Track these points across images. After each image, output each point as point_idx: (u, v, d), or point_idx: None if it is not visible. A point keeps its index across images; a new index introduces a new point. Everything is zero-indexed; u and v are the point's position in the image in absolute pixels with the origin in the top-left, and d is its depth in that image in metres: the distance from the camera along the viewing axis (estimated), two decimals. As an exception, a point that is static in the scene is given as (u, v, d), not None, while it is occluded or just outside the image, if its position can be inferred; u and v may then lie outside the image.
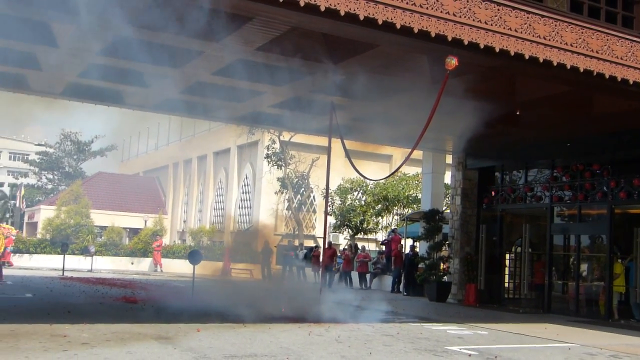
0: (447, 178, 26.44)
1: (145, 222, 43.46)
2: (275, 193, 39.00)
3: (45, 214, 42.59)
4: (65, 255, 30.56)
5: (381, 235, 36.57)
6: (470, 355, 10.73)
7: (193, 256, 19.45)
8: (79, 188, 42.30)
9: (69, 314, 13.64)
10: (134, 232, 44.05)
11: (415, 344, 11.78)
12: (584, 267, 20.35)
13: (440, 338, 12.79)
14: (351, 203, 36.66)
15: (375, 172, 28.80)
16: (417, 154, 28.22)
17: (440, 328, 14.57)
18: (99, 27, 12.84)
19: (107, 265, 35.88)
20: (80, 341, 10.19)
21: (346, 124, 19.62)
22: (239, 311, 14.83)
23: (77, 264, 34.47)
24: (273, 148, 37.21)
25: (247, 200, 43.00)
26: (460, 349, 11.33)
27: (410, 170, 37.52)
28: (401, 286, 25.94)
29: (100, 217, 42.43)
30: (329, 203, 36.57)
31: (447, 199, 28.77)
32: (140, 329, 11.94)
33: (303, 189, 39.58)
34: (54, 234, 37.60)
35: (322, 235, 37.13)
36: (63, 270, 28.55)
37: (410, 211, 32.53)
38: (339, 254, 31.04)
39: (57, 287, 20.92)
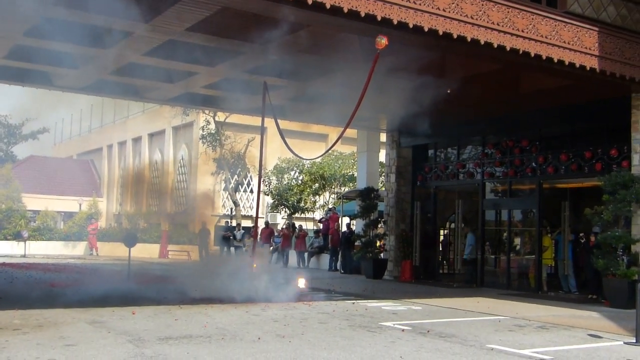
0: (382, 156, 26.72)
1: (80, 205, 42.71)
2: (212, 174, 38.77)
3: (-26, 199, 41.42)
4: (-3, 241, 29.88)
5: (318, 214, 36.82)
6: (403, 330, 10.97)
7: (128, 239, 19.34)
8: (9, 172, 41.21)
9: (0, 300, 13.39)
10: (68, 216, 43.23)
11: (350, 320, 11.97)
12: (515, 241, 20.93)
13: (375, 314, 13.02)
14: (288, 182, 36.74)
15: (311, 151, 28.88)
16: (353, 132, 28.49)
17: (375, 305, 14.81)
18: (24, 8, 12.54)
19: (41, 250, 35.21)
20: (11, 327, 10.06)
21: (280, 104, 19.70)
22: (175, 294, 14.80)
23: (9, 250, 33.77)
24: (208, 129, 36.94)
25: (183, 182, 42.64)
26: (394, 325, 11.56)
27: (346, 149, 37.79)
28: (338, 264, 26.20)
29: (33, 202, 41.44)
30: (266, 183, 36.64)
31: (382, 177, 29.10)
32: (74, 313, 11.82)
33: (240, 169, 39.43)
34: (-15, 219, 36.66)
35: (260, 216, 37.17)
36: (-5, 256, 27.93)
37: (346, 189, 32.80)
38: (276, 233, 31.13)
39: (-12, 274, 20.48)
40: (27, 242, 34.57)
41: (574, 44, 14.05)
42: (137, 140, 47.87)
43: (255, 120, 28.45)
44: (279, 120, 17.18)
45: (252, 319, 11.81)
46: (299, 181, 37.16)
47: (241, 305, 13.78)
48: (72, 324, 10.54)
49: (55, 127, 61.44)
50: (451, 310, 14.09)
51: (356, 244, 24.62)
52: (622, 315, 13.57)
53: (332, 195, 36.68)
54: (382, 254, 23.75)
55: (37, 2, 12.04)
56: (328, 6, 11.12)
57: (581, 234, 18.67)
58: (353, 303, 14.95)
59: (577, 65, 14.13)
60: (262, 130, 17.22)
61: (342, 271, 25.42)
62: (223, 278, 17.49)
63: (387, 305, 14.83)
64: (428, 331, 10.86)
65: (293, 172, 37.70)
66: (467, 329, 11.29)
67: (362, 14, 11.49)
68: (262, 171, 36.25)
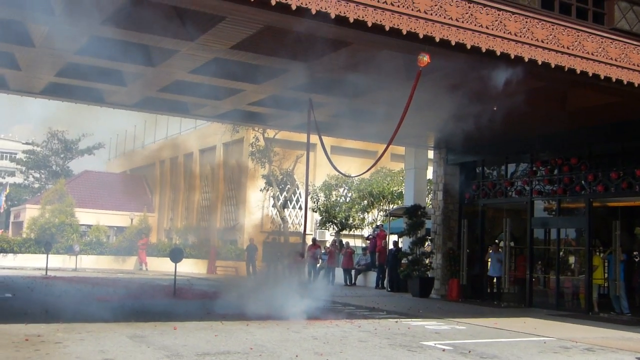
0: (430, 174, 26.54)
1: (132, 220, 43.40)
2: (261, 190, 39.04)
3: (30, 213, 42.46)
4: (49, 255, 30.50)
5: (367, 232, 36.69)
6: (444, 350, 10.84)
7: (174, 254, 19.51)
8: (63, 187, 42.13)
9: (46, 313, 13.66)
10: (120, 230, 43.96)
11: (391, 339, 11.87)
12: (564, 260, 20.51)
13: (417, 333, 12.90)
14: (336, 199, 36.75)
15: (360, 168, 28.78)
16: (401, 149, 28.42)
17: (419, 323, 14.68)
18: (74, 28, 12.88)
19: (92, 264, 35.88)
20: (54, 340, 10.24)
21: (326, 121, 19.74)
22: (219, 309, 14.90)
23: (61, 263, 34.52)
24: (257, 145, 37.23)
25: (232, 198, 43.00)
26: (435, 344, 11.43)
27: (395, 166, 37.68)
28: (385, 282, 26.04)
29: (85, 216, 42.30)
30: (314, 200, 36.70)
31: (430, 195, 28.88)
32: (116, 327, 11.98)
33: (288, 185, 39.64)
34: (39, 233, 37.49)
35: (307, 232, 37.24)
36: (46, 269, 28.49)
37: (394, 207, 32.65)
38: (323, 250, 31.12)
39: (38, 287, 20.92)
40: (79, 256, 35.27)
41: (621, 61, 13.77)
42: (188, 156, 48.51)
43: (303, 137, 28.68)
44: (324, 137, 17.28)
45: (292, 336, 11.81)
46: (348, 198, 37.14)
47: (283, 322, 13.79)
48: (113, 338, 10.68)
49: (110, 143, 62.78)
50: (495, 331, 13.87)
51: (403, 261, 24.44)
52: (673, 339, 13.18)
53: (381, 213, 36.51)
54: (429, 272, 23.53)
55: (87, 22, 12.35)
56: (370, 24, 11.14)
57: (635, 253, 18.21)
58: (396, 322, 14.83)
59: (625, 82, 13.83)
60: (307, 146, 17.32)
61: (389, 289, 25.25)
62: (268, 294, 17.57)
63: (430, 324, 14.67)
64: (469, 351, 10.71)
65: (342, 189, 37.70)
66: (510, 350, 11.10)
67: (404, 32, 11.47)
68: (310, 187, 36.59)
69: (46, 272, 27.95)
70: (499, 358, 10.23)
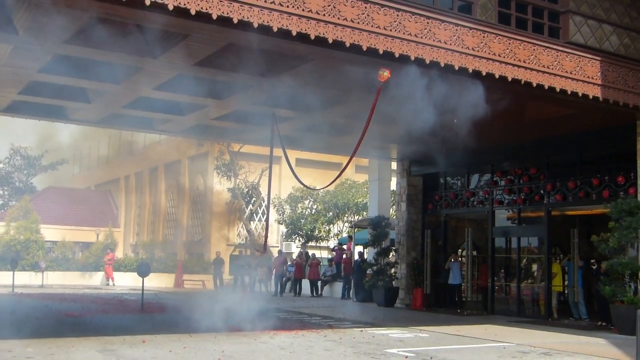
0: (394, 185, 26.91)
1: (97, 236, 43.15)
2: (226, 204, 39.15)
3: (-6, 230, 41.96)
4: (15, 272, 30.25)
5: (332, 243, 36.96)
6: (407, 357, 11.12)
7: (141, 269, 19.61)
8: (28, 203, 41.76)
9: (16, 329, 13.64)
10: (86, 246, 43.63)
11: (356, 348, 12.13)
12: (525, 268, 20.98)
13: (382, 342, 13.17)
14: (302, 211, 36.99)
15: (325, 180, 28.90)
16: (365, 161, 28.79)
17: (383, 332, 14.96)
18: (38, 47, 13.01)
19: (58, 281, 35.63)
20: (24, 355, 10.33)
21: (290, 135, 20.02)
22: (187, 322, 15.03)
23: (27, 280, 34.19)
24: (222, 159, 37.36)
25: (198, 211, 42.99)
26: (398, 352, 11.72)
27: (360, 177, 38.07)
28: (351, 292, 26.32)
29: (51, 232, 41.90)
30: (280, 212, 36.92)
31: (394, 206, 29.24)
32: (85, 342, 12.07)
33: (254, 198, 39.81)
34: (4, 250, 37.06)
35: (275, 245, 37.42)
36: (13, 286, 28.25)
37: (359, 218, 32.98)
38: (289, 262, 31.32)
39: (6, 304, 20.80)
40: (45, 272, 35.00)
41: (576, 74, 14.30)
42: (153, 170, 48.37)
43: (269, 150, 28.94)
44: (289, 150, 17.55)
45: (260, 347, 12.01)
46: (313, 210, 37.39)
47: (250, 333, 13.98)
48: (83, 352, 10.80)
49: (73, 159, 62.27)
50: (458, 338, 14.20)
51: (368, 272, 24.74)
52: (629, 342, 13.55)
53: (346, 224, 36.82)
54: (393, 282, 23.86)
55: (50, 41, 12.50)
56: (330, 41, 11.48)
57: (592, 261, 18.73)
58: (361, 331, 15.10)
59: (580, 94, 14.37)
60: (270, 160, 17.58)
61: (355, 299, 25.52)
62: (234, 307, 17.74)
63: (394, 332, 14.96)
64: (431, 358, 11.01)
65: (307, 201, 37.95)
66: (470, 356, 11.43)
67: (364, 48, 11.84)
68: (275, 199, 36.79)
69: (13, 289, 27.72)
70: (460, 363, 10.55)
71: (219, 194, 39.49)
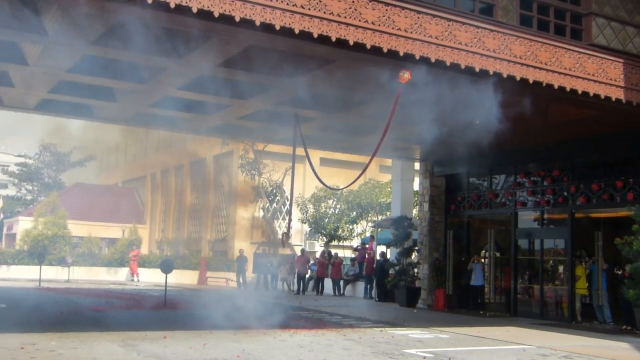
0: (417, 185, 26.95)
1: (123, 232, 43.66)
2: (250, 202, 39.42)
3: (23, 225, 42.65)
4: (42, 266, 30.73)
5: (356, 242, 37.08)
6: (425, 357, 11.21)
7: (165, 265, 19.87)
8: (55, 199, 42.39)
9: (41, 323, 13.99)
10: (112, 242, 44.19)
11: (375, 347, 12.23)
12: (548, 270, 20.92)
13: (401, 342, 13.26)
14: (325, 211, 37.12)
15: (349, 180, 29.09)
16: (389, 161, 28.85)
17: (403, 332, 15.04)
18: (66, 47, 13.30)
19: (84, 276, 36.14)
20: (48, 349, 10.58)
21: (313, 134, 20.12)
22: (208, 319, 15.22)
23: (54, 275, 34.73)
24: (247, 158, 37.63)
25: (223, 209, 43.33)
26: (417, 352, 11.80)
27: (384, 177, 38.14)
28: (373, 292, 26.41)
29: (78, 228, 42.51)
30: (303, 211, 37.09)
31: (417, 206, 29.27)
32: (108, 336, 12.31)
33: (278, 197, 40.04)
34: (32, 245, 37.69)
35: (298, 243, 37.58)
36: (39, 281, 28.74)
37: (382, 218, 33.04)
38: (312, 261, 31.48)
39: (32, 298, 21.18)
40: (71, 267, 35.52)
41: (598, 76, 14.25)
42: (179, 168, 48.83)
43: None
44: (312, 150, 17.67)
45: (279, 345, 12.16)
46: (337, 209, 37.51)
47: (270, 331, 14.12)
48: (105, 346, 11.03)
49: (101, 155, 63.03)
50: (478, 339, 14.25)
51: (390, 272, 24.80)
52: (652, 347, 13.58)
53: (369, 224, 36.90)
54: (415, 283, 23.90)
55: (79, 42, 12.78)
56: (351, 43, 11.58)
57: (616, 264, 18.64)
58: (381, 331, 15.20)
59: (602, 97, 14.31)
60: (293, 161, 17.73)
61: (377, 299, 25.60)
62: (256, 305, 17.93)
63: (414, 333, 15.04)
64: (450, 359, 11.08)
65: (331, 200, 38.09)
66: (489, 357, 11.49)
67: (385, 50, 11.93)
68: (299, 199, 36.94)
69: (39, 284, 28.21)
70: (476, 364, 10.62)
71: (242, 192, 39.76)
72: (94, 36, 12.79)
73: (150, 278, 35.68)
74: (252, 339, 12.75)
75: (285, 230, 21.76)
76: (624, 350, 13.34)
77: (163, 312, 17.39)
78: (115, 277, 37.22)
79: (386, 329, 15.71)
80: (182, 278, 35.38)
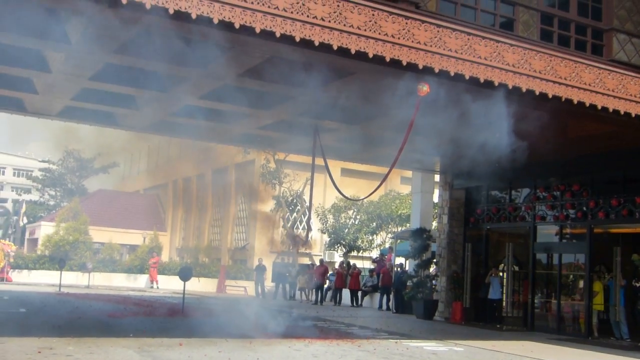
0: (437, 197, 26.95)
1: (144, 239, 44.00)
2: (271, 211, 39.58)
3: (45, 230, 43.15)
4: (63, 272, 31.06)
5: (375, 254, 37.08)
6: (437, 369, 11.24)
7: (183, 273, 20.03)
8: (78, 205, 42.84)
9: (59, 328, 14.16)
10: (132, 249, 44.56)
11: (388, 359, 12.27)
12: (566, 285, 20.82)
13: (415, 354, 13.28)
14: (345, 221, 37.18)
15: (370, 190, 29.27)
16: (410, 173, 28.89)
17: (418, 345, 15.04)
18: (89, 56, 13.54)
19: (104, 282, 36.46)
20: (65, 353, 10.73)
21: (334, 145, 20.24)
22: (224, 327, 15.34)
23: (74, 280, 35.08)
24: (268, 167, 37.83)
25: (243, 218, 43.54)
26: (430, 364, 11.84)
27: (404, 189, 38.15)
28: (390, 303, 26.40)
29: (99, 234, 42.93)
30: (323, 221, 37.17)
31: (436, 218, 29.23)
32: (125, 342, 12.46)
33: (298, 207, 40.16)
34: (53, 250, 38.10)
35: (317, 253, 37.62)
36: (60, 286, 29.05)
37: (402, 229, 33.04)
38: (331, 271, 31.53)
39: (52, 303, 21.45)
40: (92, 273, 35.84)
41: (618, 92, 14.22)
42: (201, 176, 49.14)
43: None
44: (333, 160, 17.76)
45: (293, 354, 12.23)
46: (357, 220, 37.55)
47: (286, 341, 14.19)
48: (121, 352, 11.17)
49: (124, 162, 63.59)
50: (492, 353, 14.22)
51: (408, 283, 24.79)
52: (667, 364, 13.49)
53: (389, 235, 36.90)
54: (433, 295, 23.88)
55: (101, 51, 13.02)
56: (371, 55, 11.68)
57: (634, 280, 18.53)
58: (396, 342, 15.22)
59: (622, 112, 14.28)
60: (312, 172, 17.87)
61: (394, 311, 25.59)
62: (273, 314, 18.01)
63: (429, 345, 15.04)
64: (462, 372, 11.11)
65: (351, 211, 38.13)
66: (501, 371, 11.49)
67: (404, 63, 12.02)
68: (319, 209, 37.06)
69: (59, 289, 28.52)
70: (489, 378, 10.63)
71: (263, 201, 39.95)
72: (116, 45, 13.01)
73: (169, 285, 35.91)
74: (267, 348, 12.83)
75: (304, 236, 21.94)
76: (639, 367, 13.28)
77: (180, 320, 17.53)
78: (134, 283, 37.49)
79: (402, 340, 15.71)
80: (202, 286, 35.60)
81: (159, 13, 10.20)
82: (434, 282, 23.93)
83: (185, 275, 19.71)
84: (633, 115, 14.46)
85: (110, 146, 53.46)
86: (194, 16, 10.22)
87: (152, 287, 36.38)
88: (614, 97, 14.21)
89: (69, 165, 59.56)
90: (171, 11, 10.06)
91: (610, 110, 14.17)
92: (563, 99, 13.66)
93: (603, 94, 14.08)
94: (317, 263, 31.85)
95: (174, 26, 10.97)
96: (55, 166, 59.85)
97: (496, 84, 12.95)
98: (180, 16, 10.23)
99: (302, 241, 22.91)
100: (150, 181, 59.11)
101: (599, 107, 14.04)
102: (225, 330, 14.91)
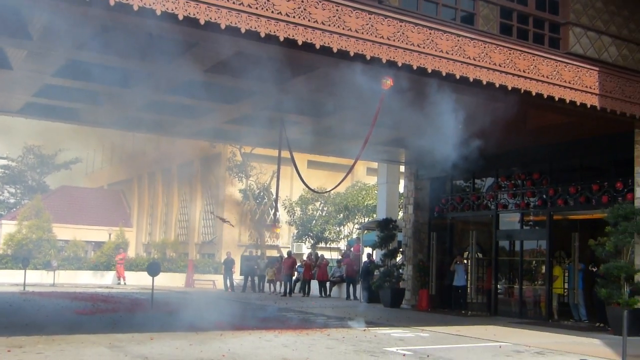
0: (402, 188, 27.31)
1: (109, 235, 43.77)
2: (238, 204, 39.66)
3: (6, 228, 42.60)
4: (27, 270, 30.78)
5: (343, 245, 37.42)
6: (404, 355, 11.53)
7: (152, 268, 20.11)
8: (40, 202, 42.39)
9: (26, 326, 14.16)
10: (98, 245, 44.28)
11: (357, 346, 12.55)
12: (527, 271, 21.35)
13: (382, 341, 13.58)
14: (312, 213, 37.44)
15: (337, 182, 29.57)
16: (376, 164, 29.25)
17: (386, 332, 15.35)
18: (51, 52, 13.56)
19: (70, 280, 36.22)
20: (35, 351, 10.77)
21: (299, 138, 20.46)
22: (194, 321, 15.49)
23: (39, 279, 34.74)
24: (234, 160, 37.90)
25: (210, 212, 43.56)
26: (397, 350, 12.13)
27: (371, 180, 38.51)
28: (357, 293, 26.75)
29: (63, 231, 42.54)
30: (291, 214, 37.38)
31: (402, 208, 29.63)
32: (95, 338, 12.53)
33: (265, 199, 40.30)
34: (16, 249, 37.72)
35: (285, 245, 37.81)
36: (24, 285, 28.79)
37: (369, 220, 33.40)
38: (299, 263, 31.78)
39: (17, 302, 21.33)
40: (57, 271, 35.56)
41: (574, 84, 14.66)
42: (166, 170, 48.94)
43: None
44: (300, 153, 17.99)
45: (264, 344, 12.44)
46: (324, 212, 37.84)
47: (256, 332, 14.39)
48: (92, 348, 11.26)
49: (87, 158, 62.94)
50: (457, 337, 14.60)
51: (375, 273, 25.14)
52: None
53: (356, 226, 37.27)
54: (400, 283, 24.26)
55: (63, 47, 13.05)
56: (335, 50, 11.91)
57: (591, 264, 19.10)
58: (364, 330, 15.51)
59: (578, 104, 14.72)
60: (278, 165, 18.12)
61: (362, 300, 25.94)
62: (242, 306, 18.19)
63: (396, 332, 15.36)
64: (428, 356, 11.42)
65: (318, 203, 38.40)
66: (465, 355, 11.83)
67: (368, 57, 12.27)
68: (286, 202, 37.27)
69: (24, 288, 28.26)
70: (455, 362, 10.98)
71: (230, 194, 40.03)
72: (79, 41, 13.03)
73: (137, 281, 35.81)
74: (238, 339, 13.02)
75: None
76: (594, 346, 13.75)
77: (150, 315, 17.60)
78: (101, 280, 37.29)
79: (369, 328, 16.00)
80: (170, 281, 35.59)
81: (123, 10, 10.28)
82: (400, 271, 24.28)
83: (153, 271, 19.80)
84: (589, 106, 14.92)
85: (74, 142, 52.84)
86: (158, 12, 10.33)
87: (119, 284, 36.25)
88: (571, 88, 14.64)
89: (29, 162, 58.65)
90: (135, 8, 10.15)
91: (567, 101, 14.61)
92: (522, 91, 14.05)
93: (560, 85, 14.51)
94: (285, 255, 32.05)
95: (139, 22, 11.07)
96: (15, 163, 58.87)
97: (458, 77, 13.26)
98: (145, 12, 10.32)
99: (272, 223, 23.06)
100: (114, 176, 58.67)
101: (557, 99, 14.47)
102: (196, 324, 15.05)
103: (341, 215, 37.12)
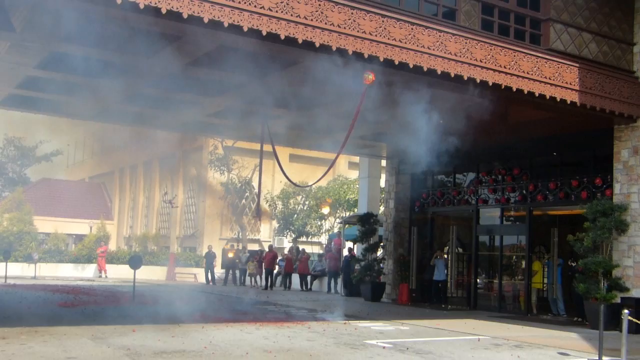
0: (383, 182, 27.44)
1: (91, 228, 43.62)
2: (219, 198, 39.66)
3: (-14, 221, 42.36)
4: (8, 263, 30.67)
5: (324, 239, 37.55)
6: (384, 347, 11.67)
7: (133, 261, 20.12)
8: (21, 195, 42.18)
9: (9, 318, 14.17)
10: (79, 238, 44.13)
11: (337, 339, 12.67)
12: (507, 265, 21.57)
13: (363, 334, 13.71)
14: (294, 207, 37.53)
15: (319, 176, 29.64)
16: (357, 158, 29.35)
17: (366, 325, 15.49)
18: (34, 44, 13.52)
19: (51, 272, 36.09)
20: (18, 342, 10.81)
21: (281, 132, 20.47)
22: (176, 313, 15.54)
23: (20, 272, 34.62)
24: (216, 154, 37.89)
25: (192, 205, 43.51)
26: (377, 342, 12.27)
27: (353, 174, 38.64)
28: (339, 287, 26.89)
29: (44, 224, 42.35)
30: (272, 207, 37.45)
31: (383, 203, 29.79)
32: (77, 330, 12.58)
33: (247, 193, 40.33)
34: (-4, 241, 37.56)
35: (267, 239, 37.91)
36: (5, 277, 28.70)
37: (350, 214, 33.54)
38: (280, 257, 31.86)
39: (-1, 294, 21.31)
40: (38, 264, 35.44)
41: (554, 79, 14.83)
42: (147, 163, 48.79)
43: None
44: (282, 147, 18.03)
45: (245, 337, 12.53)
46: (305, 206, 37.92)
47: (237, 325, 14.48)
48: (75, 340, 11.30)
49: (68, 150, 62.56)
50: (436, 331, 14.77)
51: (356, 267, 25.28)
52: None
53: (337, 220, 37.40)
54: (381, 277, 24.41)
55: (47, 39, 13.02)
56: (317, 45, 11.98)
57: (570, 259, 19.34)
58: (344, 323, 15.64)
59: (558, 99, 14.89)
60: (260, 159, 18.16)
61: (343, 294, 26.07)
62: (223, 299, 18.25)
63: (377, 325, 15.51)
64: (407, 348, 11.56)
65: (299, 197, 38.49)
66: (445, 347, 11.98)
67: (350, 52, 12.35)
68: (267, 195, 37.32)
69: (5, 280, 28.18)
70: (433, 354, 11.10)
71: (212, 188, 40.00)
72: (62, 33, 12.99)
73: (118, 274, 35.73)
74: (219, 332, 13.10)
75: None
76: (571, 339, 13.96)
77: (132, 307, 17.63)
78: (83, 273, 37.18)
79: (350, 321, 16.14)
80: (152, 274, 35.54)
81: (107, 2, 10.30)
82: (381, 265, 24.46)
83: (135, 264, 19.81)
84: (568, 102, 15.09)
85: (56, 134, 52.48)
86: (141, 6, 10.34)
87: (100, 277, 36.17)
88: (551, 84, 14.81)
89: (9, 154, 58.16)
90: (119, 1, 10.16)
91: (547, 97, 14.77)
92: (503, 87, 14.19)
93: (540, 81, 14.66)
94: (267, 249, 32.11)
95: (122, 15, 11.08)
96: (-6, 154, 58.30)
97: (439, 72, 13.38)
98: (128, 6, 10.33)
99: (254, 215, 23.15)
100: (96, 169, 58.40)
101: (537, 94, 14.62)
102: (177, 316, 15.11)
103: (322, 209, 37.13)
